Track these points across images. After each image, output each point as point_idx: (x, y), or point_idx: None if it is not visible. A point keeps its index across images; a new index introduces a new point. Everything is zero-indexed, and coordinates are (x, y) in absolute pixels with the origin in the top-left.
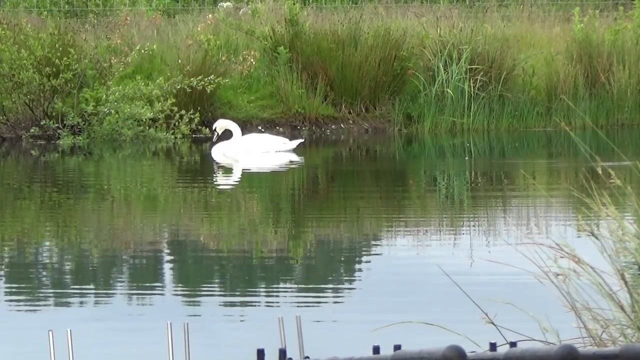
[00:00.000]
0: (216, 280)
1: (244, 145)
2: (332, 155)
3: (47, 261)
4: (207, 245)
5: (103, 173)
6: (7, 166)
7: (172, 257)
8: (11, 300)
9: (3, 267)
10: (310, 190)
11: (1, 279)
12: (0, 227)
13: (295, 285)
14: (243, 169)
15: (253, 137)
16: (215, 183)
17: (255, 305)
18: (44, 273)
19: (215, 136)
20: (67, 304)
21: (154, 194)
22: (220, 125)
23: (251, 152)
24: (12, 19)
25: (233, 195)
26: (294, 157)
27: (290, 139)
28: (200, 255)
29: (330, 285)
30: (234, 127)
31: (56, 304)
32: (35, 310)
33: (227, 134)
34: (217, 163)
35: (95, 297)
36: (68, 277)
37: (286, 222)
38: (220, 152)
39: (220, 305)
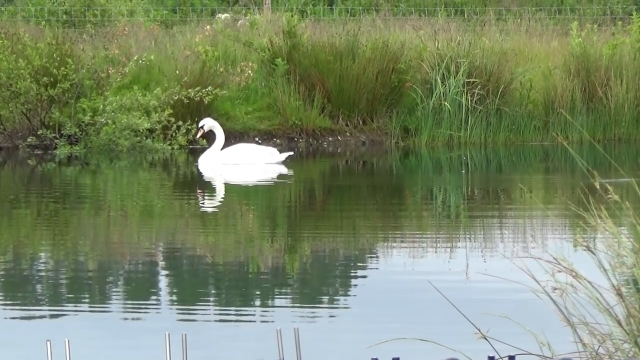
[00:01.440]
0: (213, 293)
1: (231, 156)
2: (329, 167)
3: (44, 271)
4: (203, 258)
5: (99, 184)
6: (3, 175)
7: (168, 269)
8: (8, 311)
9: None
10: (305, 204)
11: None
12: None
13: (292, 299)
14: (234, 182)
15: (240, 147)
16: (209, 195)
17: (252, 317)
18: (41, 283)
19: (200, 133)
20: (65, 314)
21: (150, 205)
22: (208, 124)
23: (238, 164)
24: (10, 28)
25: (228, 208)
26: (283, 170)
27: (287, 151)
28: (197, 267)
29: (327, 299)
30: (219, 131)
31: (53, 315)
32: (32, 320)
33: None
34: (204, 175)
35: (92, 307)
36: (65, 287)
37: (281, 236)
38: (207, 163)
39: (217, 317)
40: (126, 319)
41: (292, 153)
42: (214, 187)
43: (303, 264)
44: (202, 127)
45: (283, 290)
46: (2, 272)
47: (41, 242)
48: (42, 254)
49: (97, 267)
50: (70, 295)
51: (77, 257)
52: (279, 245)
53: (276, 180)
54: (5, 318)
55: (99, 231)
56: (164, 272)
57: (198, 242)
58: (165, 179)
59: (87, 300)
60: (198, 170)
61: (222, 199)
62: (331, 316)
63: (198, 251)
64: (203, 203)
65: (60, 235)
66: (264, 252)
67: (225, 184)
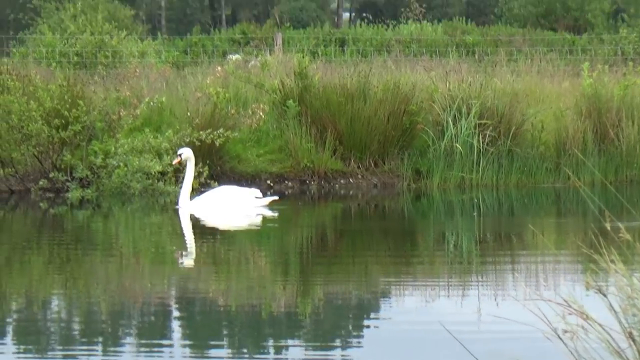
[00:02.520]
0: (225, 337)
1: (214, 199)
2: (340, 210)
3: (56, 316)
4: (215, 302)
5: (111, 227)
6: (15, 219)
7: (180, 314)
8: (21, 356)
9: (11, 321)
10: (317, 247)
11: (10, 334)
12: (9, 281)
13: (305, 343)
14: (225, 226)
15: (221, 190)
16: (219, 238)
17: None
18: (53, 329)
19: (177, 160)
20: (75, 357)
21: (162, 249)
22: (186, 154)
23: (221, 207)
24: (22, 69)
25: (239, 250)
26: (267, 213)
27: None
28: (209, 312)
29: (339, 343)
30: (191, 165)
31: (65, 356)
32: None
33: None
34: (187, 218)
35: (103, 352)
36: (77, 332)
37: (293, 280)
38: (187, 206)
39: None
40: None
41: (277, 197)
42: (215, 231)
43: (315, 307)
44: (180, 154)
45: (295, 334)
46: (14, 317)
47: (53, 287)
48: (54, 298)
49: (109, 312)
50: (83, 340)
51: (90, 302)
52: (291, 289)
53: (259, 224)
54: None
55: (111, 276)
56: (176, 317)
57: (210, 286)
58: (176, 222)
59: (99, 345)
60: (178, 213)
61: (229, 243)
62: (344, 359)
63: (210, 295)
64: (210, 247)
65: (72, 279)
66: (276, 295)
67: (216, 227)
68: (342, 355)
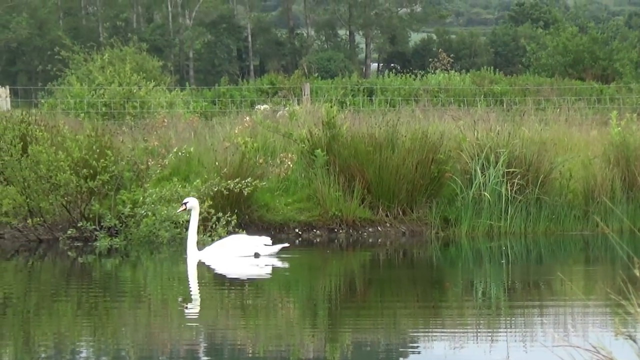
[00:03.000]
0: None
1: (223, 248)
2: (369, 259)
3: None
4: (244, 351)
5: (140, 276)
6: (44, 268)
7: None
8: None
9: None
10: (346, 295)
11: None
12: (38, 330)
13: None
14: (237, 274)
15: (232, 239)
16: (246, 287)
17: None
18: None
19: (182, 208)
20: None
21: (190, 297)
22: (191, 204)
23: (230, 256)
24: (50, 120)
25: (267, 299)
26: (277, 263)
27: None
28: (237, 358)
29: None
30: (195, 214)
31: None
32: None
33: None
34: (198, 267)
35: None
36: None
37: (322, 327)
38: (196, 255)
39: None
40: None
41: (287, 245)
42: (242, 280)
43: (344, 355)
44: (185, 203)
45: None
46: None
47: (82, 335)
48: (83, 347)
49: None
50: None
51: (118, 351)
52: (320, 337)
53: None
54: None
55: (140, 324)
56: None
57: (239, 334)
58: (204, 270)
59: None
60: (189, 263)
61: (257, 291)
62: None
63: (239, 344)
64: (238, 295)
65: (100, 328)
66: (305, 343)
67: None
68: None
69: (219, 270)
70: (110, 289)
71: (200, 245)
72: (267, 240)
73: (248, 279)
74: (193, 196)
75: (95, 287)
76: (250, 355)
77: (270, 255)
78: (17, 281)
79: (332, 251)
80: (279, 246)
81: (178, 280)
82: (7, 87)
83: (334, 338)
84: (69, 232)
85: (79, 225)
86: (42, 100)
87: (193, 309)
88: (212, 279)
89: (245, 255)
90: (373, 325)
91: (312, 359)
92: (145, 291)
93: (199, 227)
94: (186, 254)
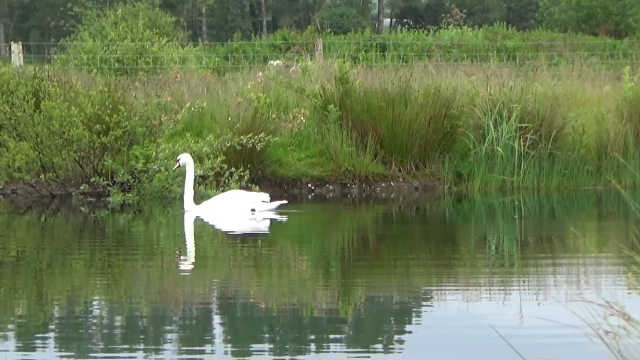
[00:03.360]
0: (267, 339)
1: (221, 203)
2: (382, 214)
3: (97, 320)
4: (257, 304)
5: (152, 231)
6: (57, 223)
7: (222, 316)
8: (62, 358)
9: (53, 325)
10: (359, 250)
11: (51, 338)
12: (51, 285)
13: (346, 345)
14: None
15: (230, 194)
16: (260, 242)
17: None
18: (94, 332)
19: (176, 166)
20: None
21: (203, 252)
22: (184, 159)
23: (227, 211)
24: (63, 76)
25: (280, 253)
26: (275, 218)
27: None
28: (251, 314)
29: (381, 345)
30: (190, 169)
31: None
32: None
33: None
34: (196, 222)
35: (144, 356)
36: (118, 335)
37: (335, 282)
38: (193, 210)
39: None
40: None
41: (285, 202)
42: (256, 235)
43: (356, 311)
44: (178, 160)
45: (337, 338)
46: (56, 321)
47: (95, 291)
48: (96, 302)
49: (150, 315)
50: (124, 344)
51: (131, 306)
52: (332, 293)
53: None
54: None
55: (152, 279)
56: (217, 320)
57: (252, 288)
58: (217, 226)
59: (141, 349)
60: (186, 218)
61: (269, 246)
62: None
63: (252, 297)
64: (252, 250)
65: (113, 283)
66: (317, 298)
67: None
68: (384, 359)
69: (224, 226)
70: (123, 244)
71: (199, 199)
72: (265, 196)
73: (261, 234)
74: (205, 152)
75: (107, 243)
76: (263, 310)
77: (268, 211)
78: (30, 237)
79: (344, 206)
80: (276, 203)
81: (190, 236)
82: (20, 43)
83: (347, 294)
84: (82, 187)
85: (91, 180)
86: (55, 56)
87: (207, 264)
88: (225, 235)
89: (242, 211)
90: (386, 281)
91: (324, 314)
92: (157, 246)
93: (211, 182)
94: (183, 209)
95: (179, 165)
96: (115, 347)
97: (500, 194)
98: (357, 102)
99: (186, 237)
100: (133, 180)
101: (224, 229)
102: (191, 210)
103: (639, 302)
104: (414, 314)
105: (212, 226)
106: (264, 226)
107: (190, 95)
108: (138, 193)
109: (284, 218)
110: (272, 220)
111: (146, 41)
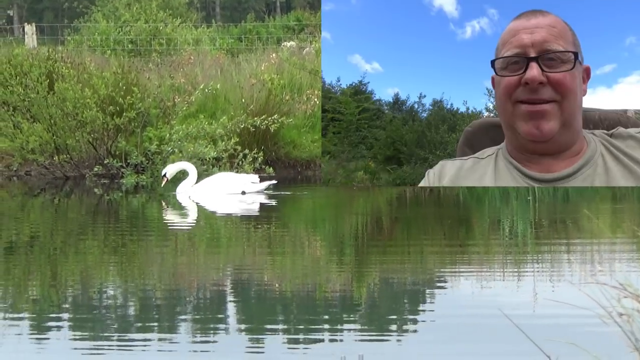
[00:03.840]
0: (279, 321)
1: (212, 185)
2: (395, 195)
3: (111, 301)
4: (271, 285)
5: (166, 213)
6: (70, 205)
7: (235, 298)
8: (78, 341)
9: (67, 306)
10: (372, 233)
11: (65, 319)
12: (64, 267)
13: (359, 325)
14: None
15: (220, 176)
16: (273, 223)
17: (319, 343)
18: (108, 313)
19: (164, 181)
20: (132, 341)
21: (217, 233)
22: (170, 171)
23: (218, 192)
24: (76, 57)
25: (294, 235)
26: (264, 200)
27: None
28: (265, 295)
29: (394, 325)
30: (189, 167)
31: (120, 341)
32: (99, 350)
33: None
34: (190, 203)
35: (159, 337)
36: (131, 317)
37: (348, 263)
38: (185, 194)
39: (285, 344)
40: (195, 350)
41: (275, 182)
42: (270, 216)
43: (370, 290)
44: (164, 175)
45: (350, 319)
46: (70, 303)
47: (108, 272)
48: (110, 284)
49: (164, 297)
50: (138, 325)
51: (145, 287)
52: (346, 272)
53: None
54: (74, 349)
55: (166, 261)
56: (231, 301)
57: (266, 269)
58: (230, 206)
59: (155, 330)
60: (177, 200)
61: (283, 227)
62: (398, 341)
63: (266, 278)
64: (265, 232)
65: (127, 264)
66: (330, 279)
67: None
68: (398, 340)
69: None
70: (137, 226)
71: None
72: (255, 177)
73: (274, 217)
74: (218, 133)
75: (121, 224)
76: (277, 292)
77: (257, 192)
78: (43, 218)
79: (358, 188)
80: (265, 183)
81: (204, 218)
82: (33, 24)
83: (360, 275)
84: (96, 169)
85: (105, 162)
86: (69, 38)
87: (220, 245)
88: (236, 217)
89: (232, 193)
90: (400, 263)
91: (338, 296)
92: (172, 228)
93: (225, 163)
94: (175, 190)
95: (167, 179)
96: (130, 328)
97: None
98: None
99: (204, 219)
100: (147, 162)
101: (250, 210)
102: (182, 193)
103: None
104: (427, 296)
105: (229, 208)
106: (292, 208)
107: (203, 77)
108: (152, 175)
109: (312, 201)
110: (277, 202)
111: (160, 22)
